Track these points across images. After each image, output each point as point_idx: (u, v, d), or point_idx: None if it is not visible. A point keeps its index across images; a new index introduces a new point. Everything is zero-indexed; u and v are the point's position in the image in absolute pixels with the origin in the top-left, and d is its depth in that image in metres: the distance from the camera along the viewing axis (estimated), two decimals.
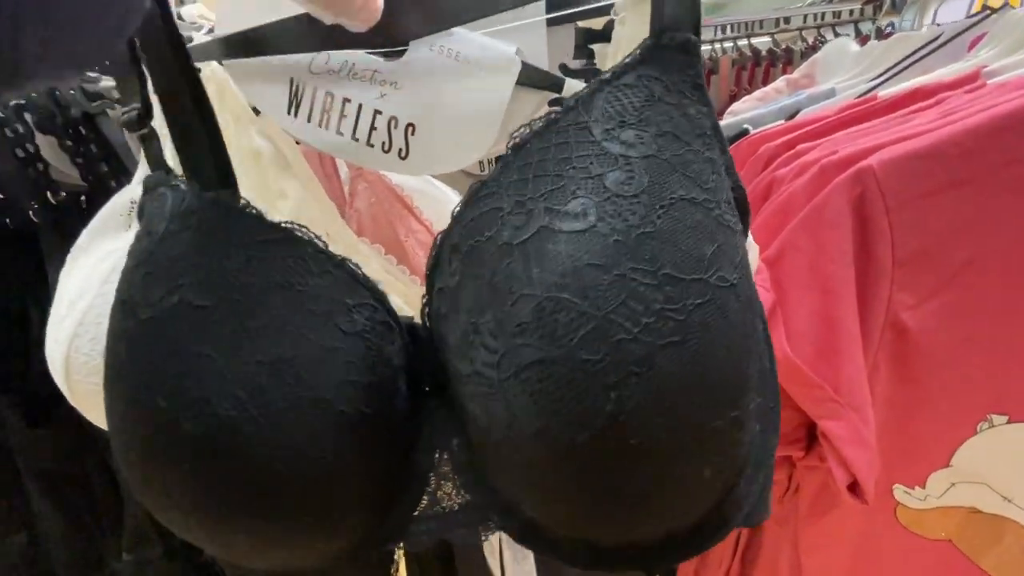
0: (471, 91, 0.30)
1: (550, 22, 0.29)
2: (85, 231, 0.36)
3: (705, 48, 0.93)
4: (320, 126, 0.33)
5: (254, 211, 0.24)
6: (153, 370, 0.23)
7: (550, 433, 0.21)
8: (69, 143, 0.39)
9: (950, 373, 0.38)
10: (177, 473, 0.23)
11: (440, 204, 0.49)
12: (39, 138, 0.40)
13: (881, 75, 0.53)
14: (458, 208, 0.24)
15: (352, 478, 0.24)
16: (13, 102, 0.38)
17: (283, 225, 0.24)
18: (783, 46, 0.83)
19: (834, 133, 0.43)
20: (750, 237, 0.37)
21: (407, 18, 0.29)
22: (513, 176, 0.23)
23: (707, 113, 0.23)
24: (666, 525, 0.24)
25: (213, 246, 0.24)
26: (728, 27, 0.88)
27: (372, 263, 0.41)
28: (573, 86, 0.29)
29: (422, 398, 0.26)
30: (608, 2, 0.28)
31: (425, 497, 0.27)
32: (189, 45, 0.33)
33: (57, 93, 0.38)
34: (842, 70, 0.63)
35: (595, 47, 0.31)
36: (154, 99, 0.26)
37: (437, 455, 0.27)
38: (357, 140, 0.33)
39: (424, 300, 0.25)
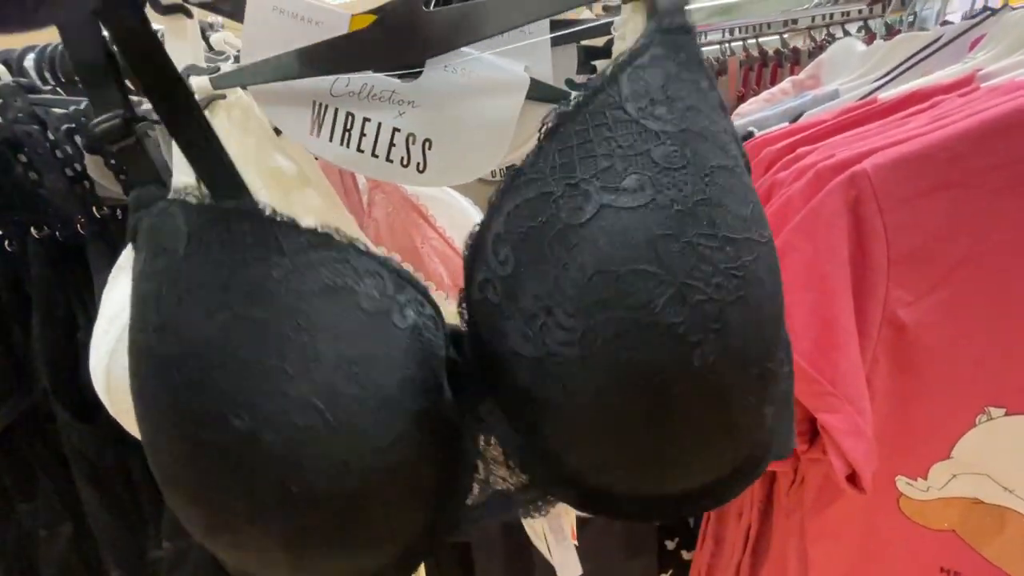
0: (484, 106, 0.32)
1: (554, 42, 0.32)
2: (125, 250, 0.39)
3: (714, 49, 0.94)
4: (342, 144, 0.36)
5: (285, 218, 0.24)
6: (221, 391, 0.22)
7: (642, 396, 0.22)
8: (113, 162, 0.43)
9: (948, 367, 0.39)
10: (262, 488, 0.22)
11: (453, 210, 0.52)
12: (86, 158, 0.44)
13: (883, 76, 0.54)
14: (496, 198, 0.24)
15: (412, 472, 0.24)
16: (64, 126, 0.42)
17: (320, 230, 0.25)
18: (791, 46, 0.84)
19: (833, 137, 0.45)
20: None
21: (423, 39, 0.32)
22: (554, 160, 0.23)
23: (714, 87, 0.25)
24: (729, 465, 0.26)
25: (252, 257, 0.23)
26: (736, 28, 0.89)
27: None
28: None
29: (460, 387, 0.26)
30: (607, 21, 0.31)
31: (476, 485, 0.28)
32: (217, 74, 0.36)
33: None
34: (847, 70, 0.64)
35: (597, 63, 0.33)
36: (144, 110, 0.27)
37: (483, 441, 0.27)
38: (377, 156, 0.35)
39: (462, 293, 0.26)
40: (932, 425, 0.41)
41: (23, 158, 0.43)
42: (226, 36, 0.42)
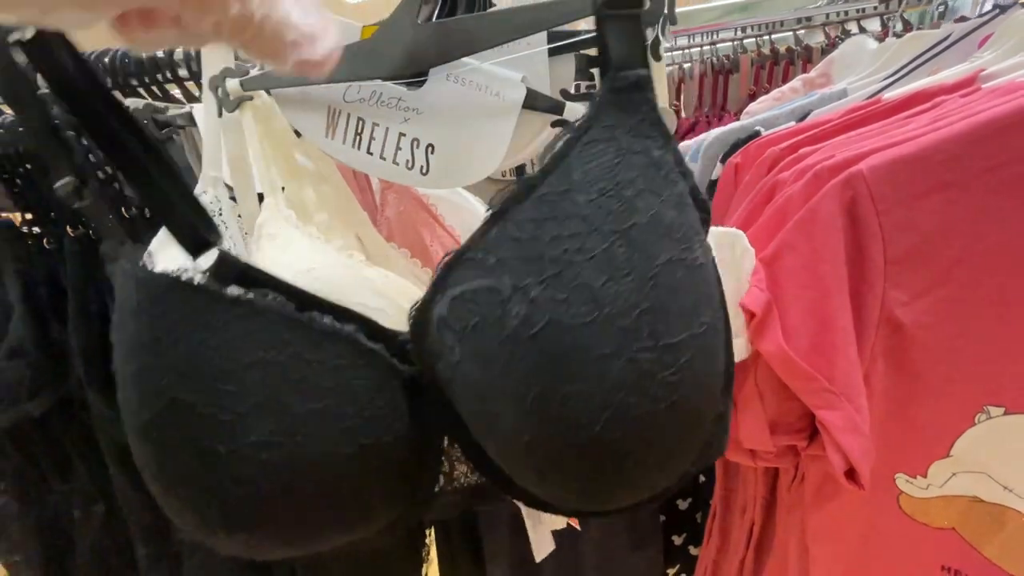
0: (483, 114, 0.34)
1: (552, 52, 0.33)
2: (155, 239, 0.42)
3: (727, 47, 0.94)
4: (353, 147, 0.38)
5: (217, 289, 0.24)
6: (174, 470, 0.25)
7: (577, 482, 0.24)
8: None
9: (946, 366, 0.39)
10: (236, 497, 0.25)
11: (463, 211, 0.53)
12: None
13: (891, 75, 0.54)
14: (440, 274, 0.25)
15: (379, 479, 0.27)
16: None
17: (261, 298, 0.24)
18: (803, 44, 0.83)
19: (836, 137, 0.45)
20: (745, 241, 0.40)
21: (427, 51, 0.34)
22: (501, 250, 0.23)
23: (668, 147, 0.25)
24: (665, 484, 0.28)
25: (189, 330, 0.23)
26: (750, 25, 0.89)
27: (399, 265, 0.45)
28: (573, 108, 0.33)
29: (423, 392, 0.28)
30: None
31: (442, 477, 0.31)
32: (245, 77, 0.38)
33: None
34: (858, 68, 0.64)
35: (595, 71, 0.35)
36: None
37: (447, 441, 0.30)
38: (384, 159, 0.37)
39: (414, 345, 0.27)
40: (932, 423, 0.41)
41: None
42: None
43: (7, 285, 0.52)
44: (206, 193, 0.42)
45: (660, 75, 0.34)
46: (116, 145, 0.25)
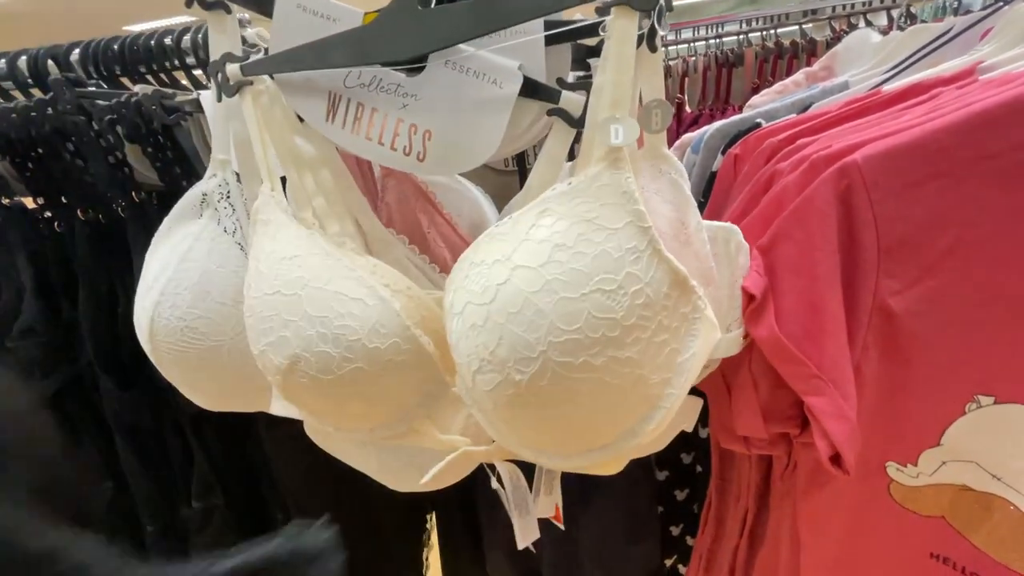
0: (480, 101, 0.35)
1: (549, 41, 0.33)
2: (166, 219, 0.43)
3: (732, 41, 0.94)
4: (352, 132, 0.39)
5: None
6: None
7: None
8: (150, 150, 0.47)
9: (937, 355, 0.39)
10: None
11: (463, 199, 0.54)
12: (126, 147, 0.48)
13: (893, 68, 0.54)
14: None
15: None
16: (107, 117, 0.46)
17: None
18: (808, 37, 0.83)
19: (833, 128, 0.45)
20: (740, 236, 0.41)
21: (427, 37, 0.34)
22: None
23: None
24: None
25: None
26: (755, 18, 0.88)
27: (397, 250, 0.46)
28: (569, 97, 0.33)
29: None
30: (598, 21, 0.32)
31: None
32: (245, 62, 0.39)
33: (143, 108, 0.45)
34: (861, 62, 0.64)
35: (591, 61, 0.35)
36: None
37: None
38: (383, 144, 0.38)
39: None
40: (922, 412, 0.42)
41: (71, 146, 0.48)
42: (260, 31, 0.45)
43: (19, 267, 0.53)
44: (215, 176, 0.43)
45: (656, 67, 0.34)
46: None
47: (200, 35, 0.52)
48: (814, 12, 0.84)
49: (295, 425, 0.45)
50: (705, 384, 0.46)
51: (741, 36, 0.88)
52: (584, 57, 0.35)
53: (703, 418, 0.48)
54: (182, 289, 0.41)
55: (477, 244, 0.31)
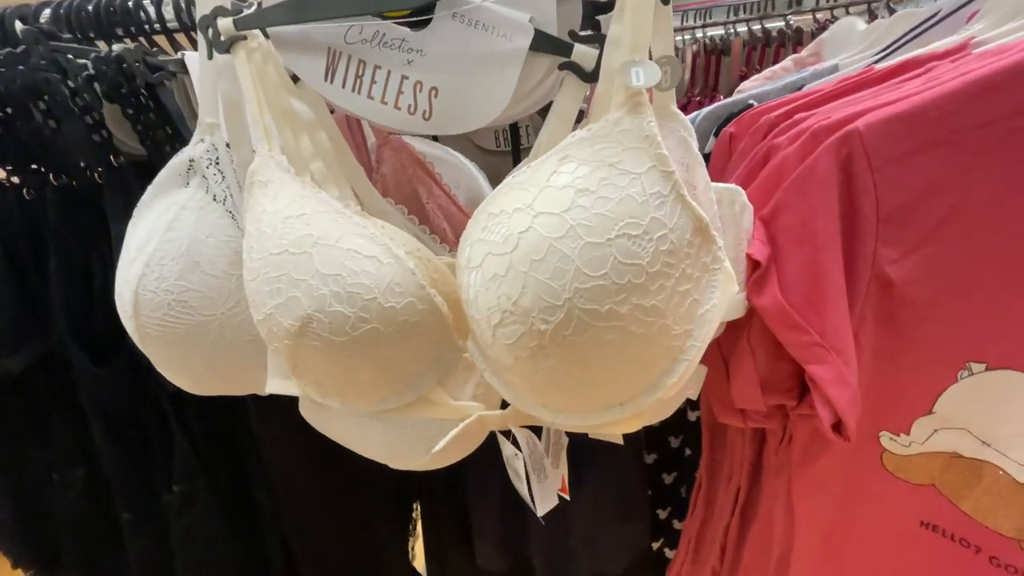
0: (489, 57, 0.34)
1: None
2: (150, 187, 0.41)
3: (718, 31, 0.95)
4: (353, 91, 0.37)
5: None
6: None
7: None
8: (131, 111, 0.44)
9: (931, 324, 0.40)
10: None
11: (460, 173, 0.53)
12: (105, 107, 0.45)
13: (883, 50, 0.55)
14: None
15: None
16: (85, 73, 0.43)
17: None
18: (794, 27, 0.85)
19: (830, 103, 0.46)
20: (744, 197, 0.41)
21: None
22: None
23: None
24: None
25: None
26: (742, 8, 0.90)
27: (396, 220, 0.45)
28: (581, 51, 0.33)
29: None
30: None
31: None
32: (239, 16, 0.37)
33: (124, 64, 0.42)
34: (848, 48, 0.65)
35: (601, 18, 0.35)
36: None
37: None
38: (386, 103, 0.37)
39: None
40: (916, 380, 0.42)
41: (43, 106, 0.45)
42: None
43: None
44: (203, 142, 0.41)
45: (666, 22, 0.34)
46: None
47: None
48: (799, 3, 0.86)
49: (284, 405, 0.43)
50: (703, 358, 0.46)
51: (728, 27, 0.90)
52: (592, 15, 0.35)
53: (693, 401, 0.48)
54: (169, 260, 0.38)
55: (494, 196, 0.30)
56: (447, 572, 0.80)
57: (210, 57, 0.37)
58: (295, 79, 0.39)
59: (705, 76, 0.88)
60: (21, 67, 0.43)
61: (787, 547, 0.54)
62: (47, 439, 0.55)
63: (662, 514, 0.83)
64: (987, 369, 0.40)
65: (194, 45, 0.52)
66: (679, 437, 0.79)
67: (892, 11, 0.83)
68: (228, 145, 0.42)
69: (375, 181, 0.49)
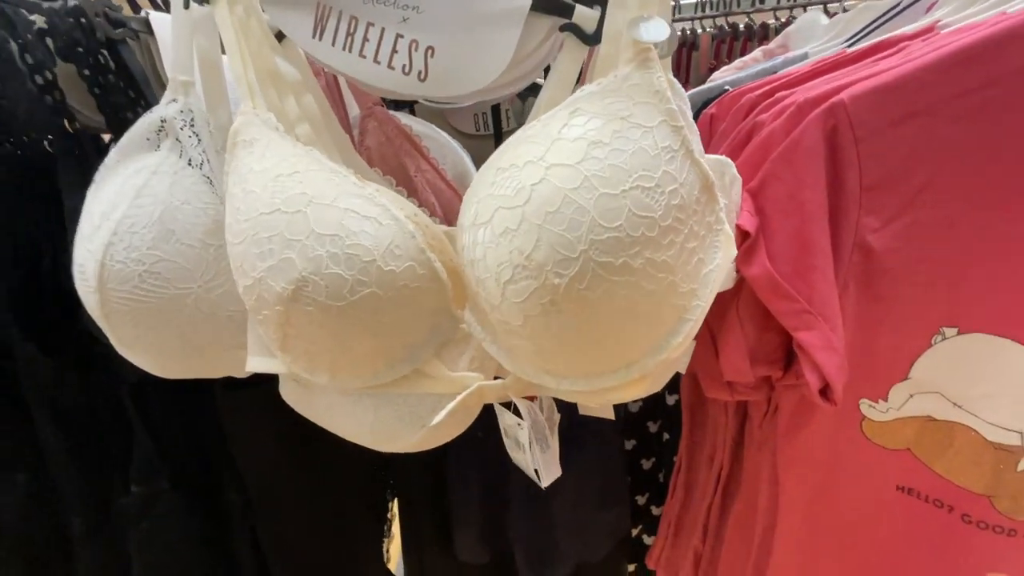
0: (488, 14, 0.33)
1: None
2: (113, 150, 0.37)
3: (686, 25, 0.97)
4: (344, 50, 0.36)
5: None
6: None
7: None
8: (88, 72, 0.40)
9: (908, 290, 0.42)
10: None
11: (445, 149, 0.52)
12: (58, 65, 0.41)
13: (851, 37, 0.57)
14: None
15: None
16: (37, 27, 0.39)
17: None
18: (759, 23, 0.88)
19: (810, 81, 0.47)
20: (734, 169, 0.41)
21: None
22: None
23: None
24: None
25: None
26: (707, 5, 0.92)
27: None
28: (582, 12, 0.32)
29: None
30: None
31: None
32: None
33: (83, 19, 0.39)
34: (815, 40, 0.68)
35: None
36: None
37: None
38: (379, 63, 0.35)
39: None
40: (893, 347, 0.44)
41: None
42: None
43: None
44: (175, 102, 0.38)
45: None
46: None
47: None
48: (761, 1, 0.89)
49: (258, 396, 0.40)
50: None
51: (694, 22, 0.92)
52: None
53: (671, 385, 0.49)
54: (140, 228, 0.35)
55: (501, 151, 0.29)
56: (425, 568, 0.78)
57: (186, 7, 0.34)
58: (279, 37, 0.37)
59: (676, 70, 0.90)
60: None
61: (771, 520, 0.55)
62: None
63: (640, 500, 0.84)
64: (959, 333, 0.42)
65: (156, 6, 0.49)
66: (657, 422, 0.80)
67: (846, 10, 0.87)
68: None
69: (360, 154, 0.47)
